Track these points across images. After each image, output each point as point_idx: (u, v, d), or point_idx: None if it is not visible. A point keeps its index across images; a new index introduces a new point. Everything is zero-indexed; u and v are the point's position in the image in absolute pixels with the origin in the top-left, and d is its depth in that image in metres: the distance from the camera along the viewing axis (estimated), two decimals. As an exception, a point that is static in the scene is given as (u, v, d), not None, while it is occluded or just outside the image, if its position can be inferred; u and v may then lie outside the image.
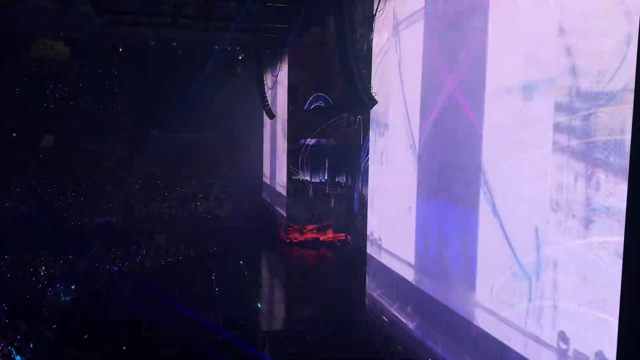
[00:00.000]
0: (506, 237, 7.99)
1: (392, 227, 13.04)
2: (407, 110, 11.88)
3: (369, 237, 14.55)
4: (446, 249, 10.07)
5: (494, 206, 8.34)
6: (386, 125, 13.31)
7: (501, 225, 8.12)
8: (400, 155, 12.23)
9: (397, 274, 12.34)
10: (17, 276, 17.18)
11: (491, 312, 8.45)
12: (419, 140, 11.21)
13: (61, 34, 28.44)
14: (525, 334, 7.56)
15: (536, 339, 7.32)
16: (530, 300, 7.45)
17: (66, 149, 30.65)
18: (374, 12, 13.47)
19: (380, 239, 13.72)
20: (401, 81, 12.20)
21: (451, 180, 9.82)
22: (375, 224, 14.23)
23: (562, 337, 6.81)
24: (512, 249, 7.85)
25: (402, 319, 12.10)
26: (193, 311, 14.52)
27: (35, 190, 27.52)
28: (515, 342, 7.83)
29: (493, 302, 8.41)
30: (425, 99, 10.95)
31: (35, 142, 30.77)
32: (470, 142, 8.99)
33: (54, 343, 12.54)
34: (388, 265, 12.99)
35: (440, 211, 10.37)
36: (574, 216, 6.53)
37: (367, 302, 14.46)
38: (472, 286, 8.96)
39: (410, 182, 11.47)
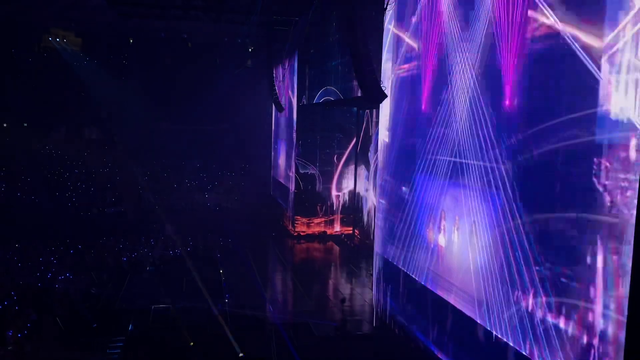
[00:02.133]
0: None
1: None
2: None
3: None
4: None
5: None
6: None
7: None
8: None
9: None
10: (27, 265, 17.36)
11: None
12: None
13: (73, 24, 28.52)
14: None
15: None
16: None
17: (76, 140, 30.88)
18: (385, 5, 13.39)
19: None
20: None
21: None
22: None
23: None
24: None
25: (410, 313, 12.13)
26: (201, 302, 14.64)
27: (46, 181, 27.76)
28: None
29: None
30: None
31: (47, 133, 31.03)
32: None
33: (63, 331, 12.67)
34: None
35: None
36: None
37: (374, 295, 14.48)
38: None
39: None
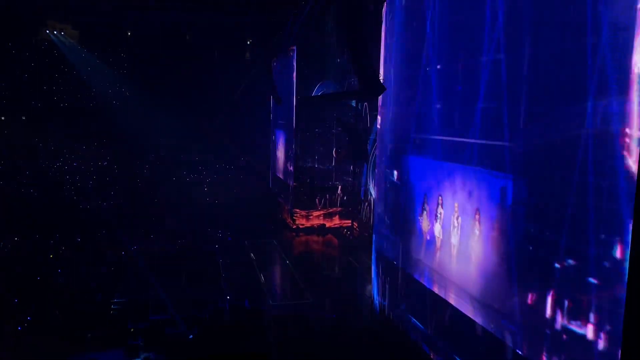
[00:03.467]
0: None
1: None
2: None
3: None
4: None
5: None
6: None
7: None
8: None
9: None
10: (26, 258, 17.38)
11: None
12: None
13: (70, 16, 28.36)
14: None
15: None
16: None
17: (74, 133, 30.77)
18: (384, -3, 13.31)
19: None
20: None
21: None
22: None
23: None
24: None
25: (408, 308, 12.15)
26: (200, 295, 14.69)
27: (44, 174, 27.73)
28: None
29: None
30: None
31: (44, 126, 30.90)
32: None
33: (63, 325, 12.69)
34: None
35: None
36: None
37: (372, 288, 14.51)
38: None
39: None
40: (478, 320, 8.86)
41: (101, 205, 26.06)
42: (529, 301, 7.41)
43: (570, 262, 6.61)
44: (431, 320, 10.86)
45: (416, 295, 11.46)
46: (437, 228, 10.62)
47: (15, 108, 30.02)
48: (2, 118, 30.60)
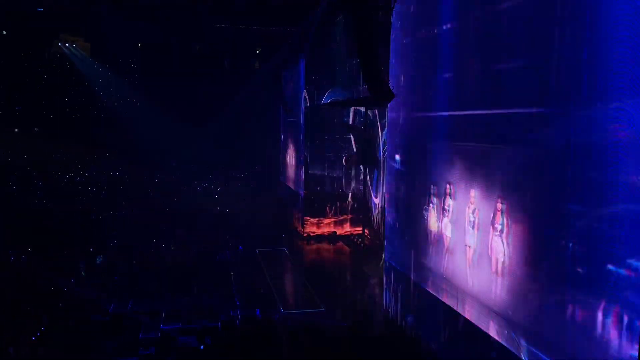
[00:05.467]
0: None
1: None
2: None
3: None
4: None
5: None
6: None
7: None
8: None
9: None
10: (39, 269, 17.49)
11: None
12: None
13: (81, 29, 28.74)
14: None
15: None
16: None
17: (86, 143, 31.06)
18: (392, 4, 13.32)
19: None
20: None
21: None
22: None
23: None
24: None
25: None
26: (211, 304, 14.66)
27: (56, 185, 27.98)
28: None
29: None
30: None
31: (57, 137, 31.24)
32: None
33: (75, 335, 12.72)
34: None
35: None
36: None
37: (384, 296, 14.39)
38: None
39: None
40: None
41: (113, 215, 26.19)
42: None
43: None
44: (445, 332, 9.82)
45: (427, 305, 11.28)
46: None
47: (28, 120, 30.41)
48: (16, 130, 30.98)
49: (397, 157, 12.71)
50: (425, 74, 11.19)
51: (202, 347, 11.90)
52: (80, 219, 24.58)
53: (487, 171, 8.01)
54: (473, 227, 8.33)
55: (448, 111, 9.62)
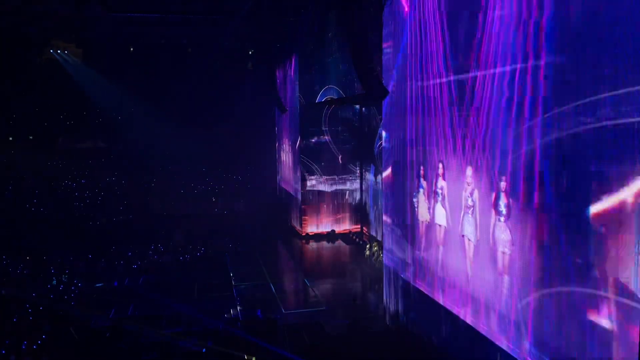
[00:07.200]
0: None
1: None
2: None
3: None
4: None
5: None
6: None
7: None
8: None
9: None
10: (39, 277, 17.46)
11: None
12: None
13: (73, 35, 28.63)
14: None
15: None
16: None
17: (81, 149, 31.02)
18: (383, 2, 13.33)
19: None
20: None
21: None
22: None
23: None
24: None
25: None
26: (212, 306, 14.67)
27: (53, 192, 27.89)
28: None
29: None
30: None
31: (52, 144, 31.18)
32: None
33: (77, 342, 12.71)
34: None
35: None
36: None
37: (384, 293, 14.43)
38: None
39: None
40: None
41: (111, 220, 26.15)
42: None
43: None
44: (444, 331, 9.77)
45: (422, 304, 11.29)
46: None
47: (23, 127, 30.33)
48: (10, 138, 30.89)
49: (384, 133, 12.78)
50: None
51: (203, 349, 11.92)
52: (78, 225, 24.54)
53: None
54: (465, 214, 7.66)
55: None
